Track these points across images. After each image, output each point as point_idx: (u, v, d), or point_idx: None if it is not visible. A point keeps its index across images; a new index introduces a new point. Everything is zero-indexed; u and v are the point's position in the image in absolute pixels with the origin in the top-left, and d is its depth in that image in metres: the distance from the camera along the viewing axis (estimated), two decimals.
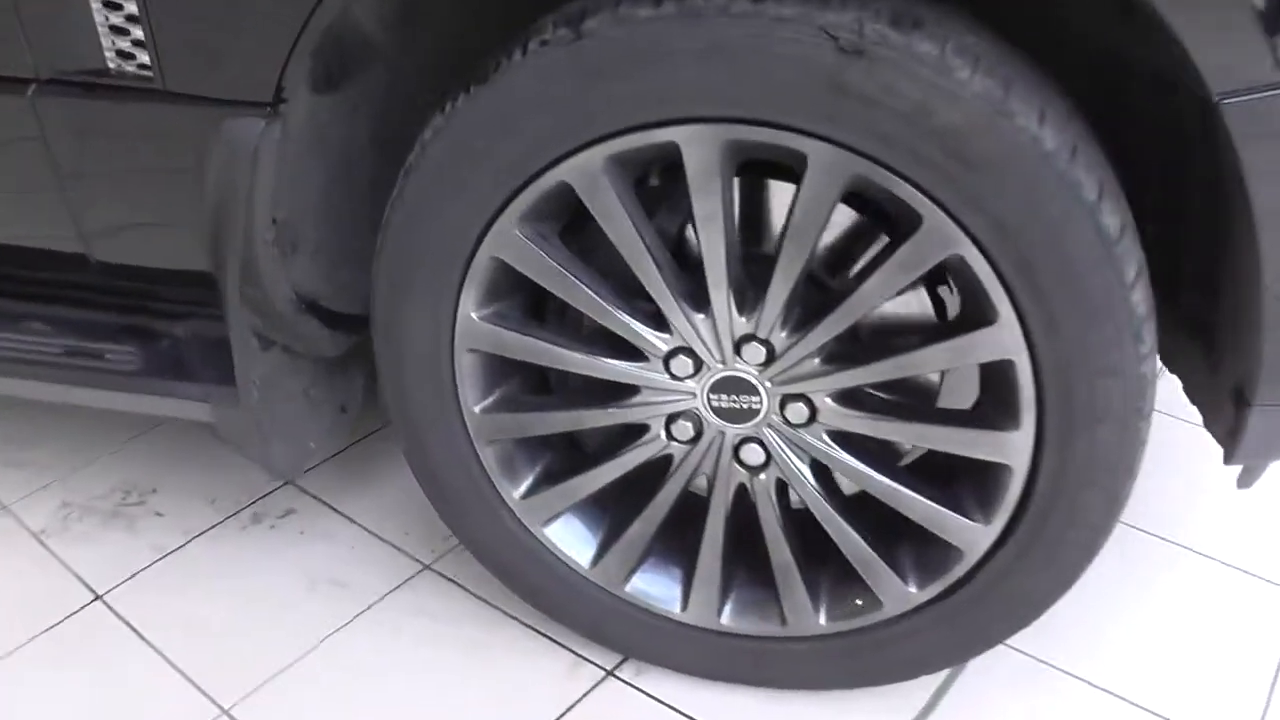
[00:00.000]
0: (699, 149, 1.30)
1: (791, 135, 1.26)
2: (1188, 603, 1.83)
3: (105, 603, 1.85)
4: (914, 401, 1.55)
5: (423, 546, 1.96)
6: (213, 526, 2.02)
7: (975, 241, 1.27)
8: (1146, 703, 1.64)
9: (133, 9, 1.38)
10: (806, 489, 1.49)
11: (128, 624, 1.80)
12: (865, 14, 1.21)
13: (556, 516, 1.62)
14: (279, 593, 1.87)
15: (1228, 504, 2.04)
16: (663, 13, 1.24)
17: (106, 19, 1.41)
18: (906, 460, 1.64)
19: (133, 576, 1.90)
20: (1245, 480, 1.54)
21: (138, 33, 1.40)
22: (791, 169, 1.45)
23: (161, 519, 2.04)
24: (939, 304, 1.52)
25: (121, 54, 1.42)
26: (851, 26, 1.20)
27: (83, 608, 1.84)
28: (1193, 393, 1.54)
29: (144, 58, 1.42)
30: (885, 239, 1.49)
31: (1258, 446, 1.41)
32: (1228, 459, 1.46)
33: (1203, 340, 1.50)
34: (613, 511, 1.65)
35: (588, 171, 1.34)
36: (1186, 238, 1.49)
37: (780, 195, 1.51)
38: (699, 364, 1.44)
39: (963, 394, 1.60)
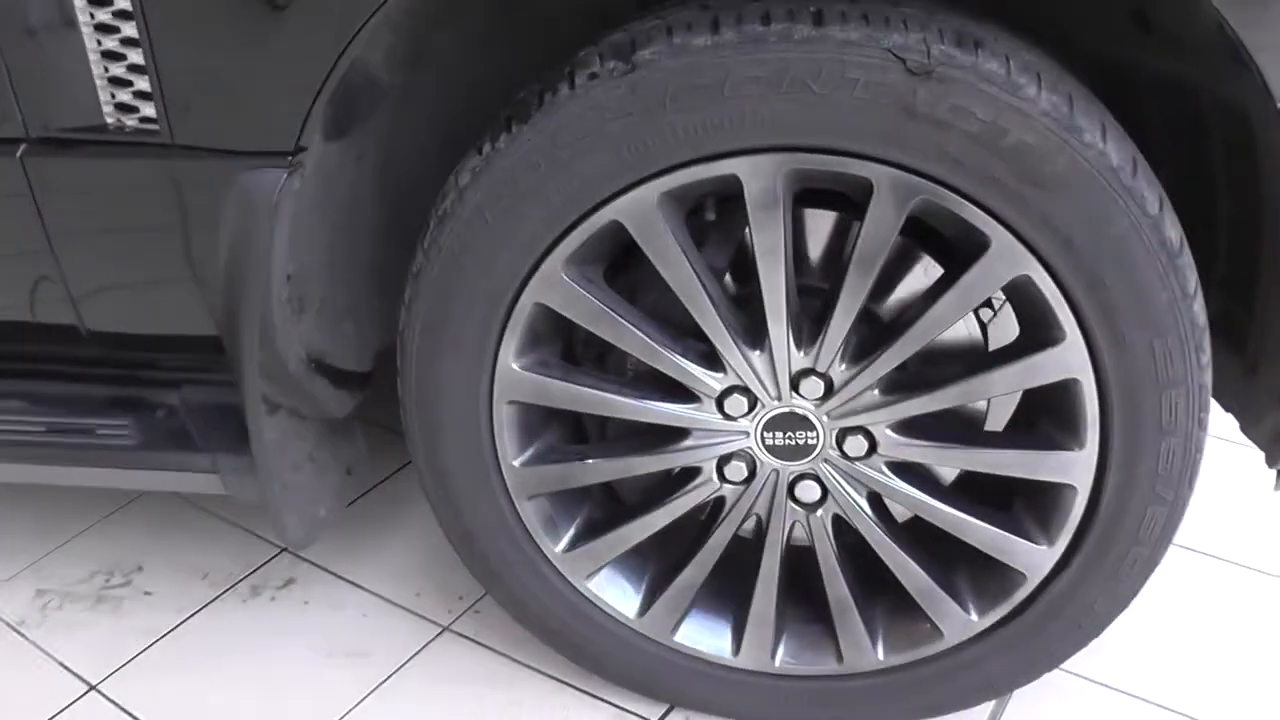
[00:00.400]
0: (761, 180, 1.26)
1: (857, 162, 1.23)
2: (1218, 608, 1.85)
3: (101, 693, 1.72)
4: (966, 428, 1.53)
5: (438, 607, 1.87)
6: (208, 603, 1.89)
7: (1043, 261, 1.25)
8: (1198, 713, 1.64)
9: (137, 59, 1.29)
10: (866, 522, 1.45)
11: (129, 714, 1.68)
12: (929, 34, 1.18)
13: (600, 569, 1.55)
14: (292, 668, 1.76)
15: (1242, 508, 2.07)
16: (723, 40, 1.20)
17: (106, 70, 1.31)
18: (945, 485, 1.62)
19: (128, 663, 1.77)
20: None
21: (142, 84, 1.30)
22: (832, 196, 1.43)
23: (151, 599, 1.91)
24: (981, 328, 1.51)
25: (122, 107, 1.33)
26: (918, 48, 1.18)
27: (77, 700, 1.71)
28: (1226, 399, 1.55)
29: (148, 110, 1.32)
30: (924, 259, 1.48)
31: None
32: (1272, 462, 1.47)
33: (1234, 346, 1.50)
34: (655, 559, 1.60)
35: (641, 209, 1.29)
36: (1215, 243, 1.50)
37: (816, 223, 1.49)
38: (754, 402, 1.40)
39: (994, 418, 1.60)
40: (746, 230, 1.30)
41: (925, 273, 1.47)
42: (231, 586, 1.93)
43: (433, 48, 1.50)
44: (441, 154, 1.59)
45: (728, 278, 1.48)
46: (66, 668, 1.77)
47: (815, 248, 1.51)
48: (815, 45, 1.18)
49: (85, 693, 1.72)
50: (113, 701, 1.70)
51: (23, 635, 1.84)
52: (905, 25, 1.19)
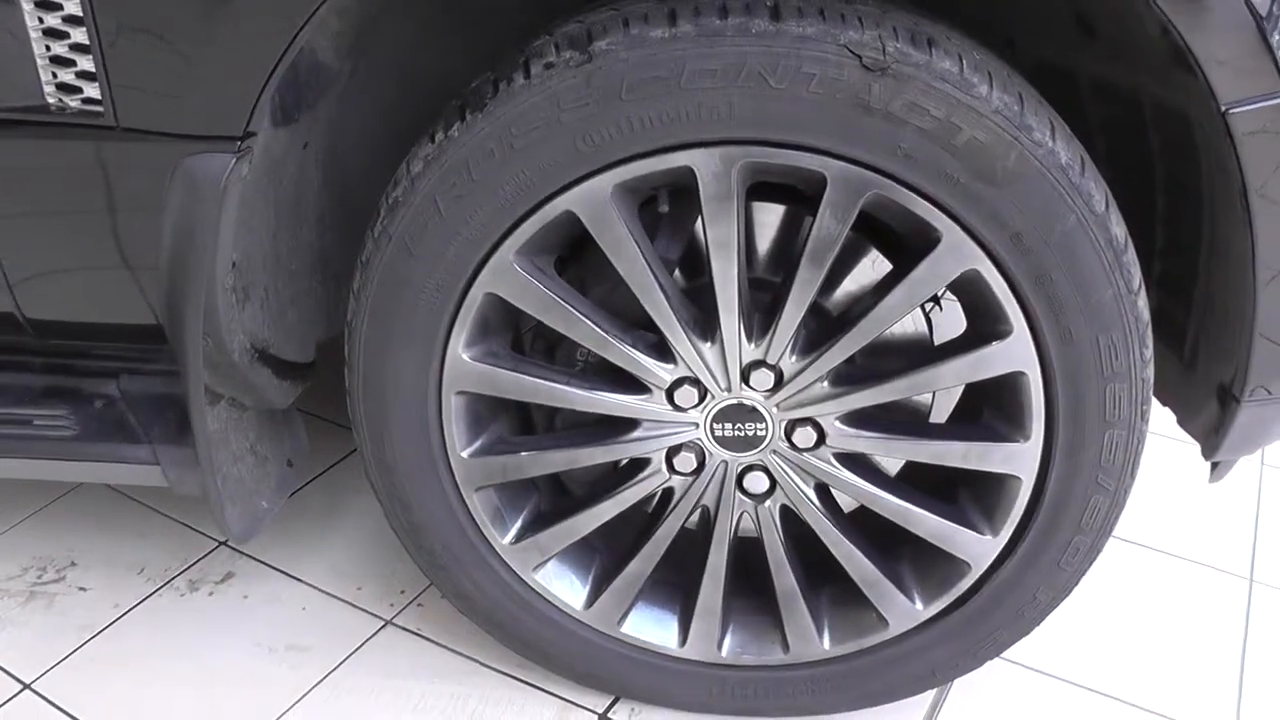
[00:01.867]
0: (715, 173, 1.26)
1: (811, 156, 1.24)
2: (1153, 598, 1.89)
3: (35, 691, 1.67)
4: (913, 420, 1.55)
5: (379, 601, 1.85)
6: (145, 598, 1.85)
7: (991, 257, 1.27)
8: (1134, 699, 1.68)
9: (80, 38, 1.26)
10: (813, 513, 1.47)
11: (66, 713, 1.63)
12: (885, 31, 1.20)
13: (547, 561, 1.55)
14: (232, 665, 1.73)
15: (1177, 501, 2.12)
16: (680, 33, 1.20)
17: (47, 49, 1.27)
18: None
19: (63, 660, 1.73)
20: (1218, 474, 1.59)
21: (86, 64, 1.27)
22: (783, 190, 1.44)
23: (86, 594, 1.86)
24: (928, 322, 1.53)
25: (64, 87, 1.29)
26: (873, 44, 1.19)
27: (10, 699, 1.66)
28: (1163, 393, 1.58)
29: (92, 91, 1.29)
30: (872, 253, 1.49)
31: (1240, 441, 1.46)
32: (1208, 455, 1.51)
33: (1171, 342, 1.54)
34: (602, 551, 1.60)
35: (595, 200, 1.29)
36: (1153, 242, 1.54)
37: (766, 217, 1.50)
38: (704, 393, 1.40)
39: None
40: (699, 223, 1.31)
41: (873, 266, 1.49)
42: (169, 581, 1.89)
43: (380, 34, 1.48)
44: (389, 142, 1.58)
45: (679, 270, 1.48)
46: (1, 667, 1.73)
47: (766, 241, 1.52)
48: (772, 40, 1.19)
49: (19, 691, 1.68)
50: (48, 700, 1.66)
51: None
52: (861, 22, 1.20)
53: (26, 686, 1.69)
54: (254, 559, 1.94)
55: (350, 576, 1.91)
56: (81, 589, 1.87)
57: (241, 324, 1.45)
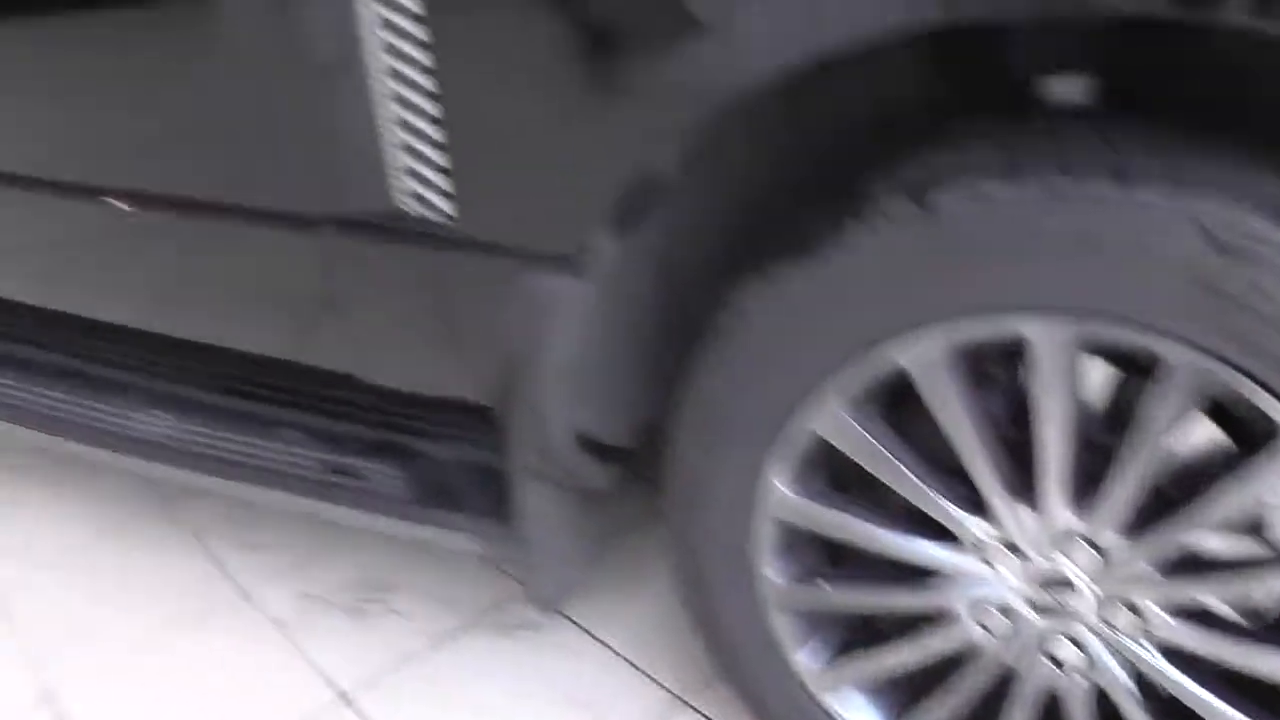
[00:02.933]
0: (1050, 343, 1.17)
1: (1149, 335, 1.12)
2: None
3: (348, 700, 1.83)
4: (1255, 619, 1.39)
5: (678, 680, 1.85)
6: (453, 631, 1.97)
7: None
8: None
9: (441, 161, 1.33)
10: (1127, 702, 1.34)
11: None
12: (1239, 203, 1.06)
13: (843, 687, 1.52)
14: (524, 711, 1.81)
15: None
16: (1025, 194, 1.12)
17: (407, 164, 1.36)
18: None
19: (373, 677, 1.88)
20: None
21: (440, 180, 1.35)
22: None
23: (400, 619, 2.00)
24: None
25: (418, 199, 1.38)
26: (1228, 221, 1.06)
27: (327, 705, 1.83)
28: None
29: (443, 204, 1.37)
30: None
31: None
32: None
33: None
34: (905, 688, 1.54)
35: (923, 354, 1.23)
36: None
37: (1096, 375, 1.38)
38: (1019, 555, 1.32)
39: None
40: (1030, 381, 1.22)
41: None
42: (477, 619, 2.00)
43: (721, 152, 1.47)
44: (721, 253, 1.58)
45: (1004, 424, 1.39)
46: (320, 672, 1.89)
47: (1097, 402, 1.40)
48: (1118, 208, 1.09)
49: (335, 699, 1.83)
50: (359, 712, 1.80)
51: (284, 634, 1.98)
52: (1215, 192, 1.08)
53: (342, 695, 1.84)
54: (558, 613, 2.00)
55: (653, 649, 1.92)
56: (396, 613, 2.02)
57: (568, 418, 1.49)
